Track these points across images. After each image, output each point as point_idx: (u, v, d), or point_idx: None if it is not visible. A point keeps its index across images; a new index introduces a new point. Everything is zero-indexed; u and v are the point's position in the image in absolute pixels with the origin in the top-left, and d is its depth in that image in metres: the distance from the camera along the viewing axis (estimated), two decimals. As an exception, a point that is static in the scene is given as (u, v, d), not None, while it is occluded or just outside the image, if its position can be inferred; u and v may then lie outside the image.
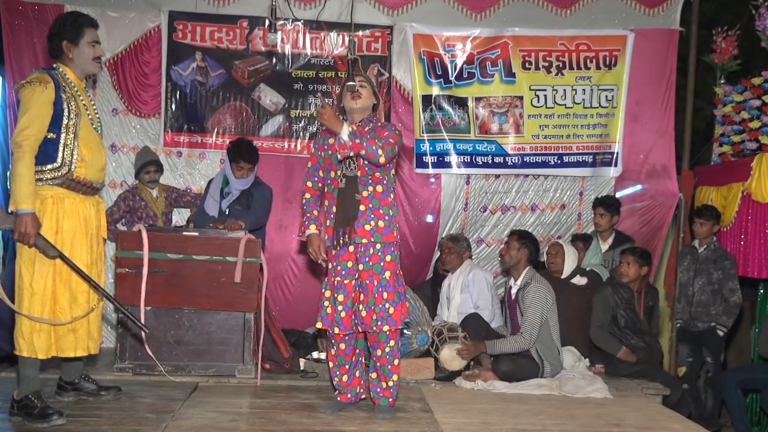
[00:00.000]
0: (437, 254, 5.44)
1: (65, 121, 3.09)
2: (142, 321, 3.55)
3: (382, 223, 3.28)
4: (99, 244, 3.32)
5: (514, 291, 4.32)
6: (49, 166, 3.07)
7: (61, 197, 3.12)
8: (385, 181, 3.33)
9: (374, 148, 3.20)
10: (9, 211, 3.04)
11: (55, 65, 3.22)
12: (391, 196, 3.35)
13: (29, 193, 2.96)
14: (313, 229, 3.39)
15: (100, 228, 3.32)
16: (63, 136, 3.08)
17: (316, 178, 3.46)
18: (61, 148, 3.08)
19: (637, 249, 4.68)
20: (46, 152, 3.06)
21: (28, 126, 2.99)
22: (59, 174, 3.09)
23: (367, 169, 3.30)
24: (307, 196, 3.47)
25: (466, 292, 4.76)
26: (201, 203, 4.70)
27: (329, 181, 3.37)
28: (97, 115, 3.33)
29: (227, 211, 4.51)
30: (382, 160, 3.22)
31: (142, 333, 3.43)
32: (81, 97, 3.20)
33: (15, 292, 3.11)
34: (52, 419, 3.00)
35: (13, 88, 3.36)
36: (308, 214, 3.43)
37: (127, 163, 5.22)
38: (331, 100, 5.36)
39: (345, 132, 3.17)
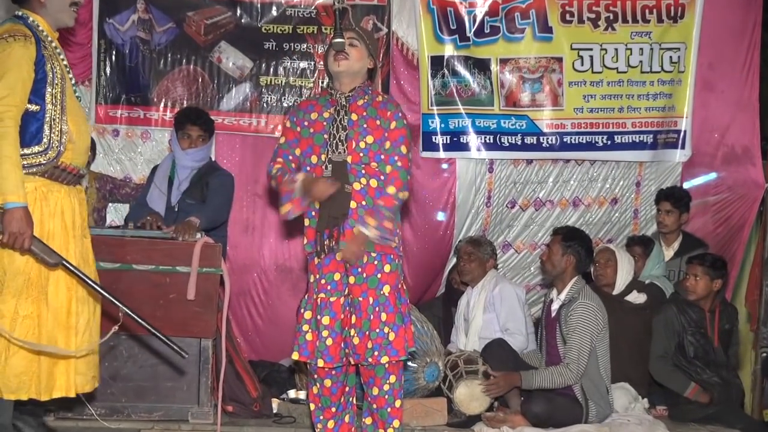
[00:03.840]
0: (451, 263, 5.45)
1: (50, 89, 3.05)
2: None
3: (376, 228, 3.29)
4: (83, 244, 3.29)
5: (555, 307, 4.32)
6: (35, 149, 3.02)
7: (44, 191, 3.08)
8: (382, 177, 3.34)
9: (394, 203, 3.30)
10: None
11: (21, 13, 3.15)
12: None
13: (18, 181, 2.89)
14: (301, 174, 3.34)
15: (84, 225, 3.30)
16: (49, 108, 3.05)
17: (290, 157, 3.44)
18: (47, 126, 3.04)
19: (707, 257, 4.68)
20: (29, 130, 3.01)
21: (8, 93, 2.91)
22: (45, 159, 3.04)
23: (360, 155, 3.31)
24: (277, 167, 3.45)
25: (491, 311, 4.77)
26: (142, 194, 4.71)
27: (309, 168, 3.37)
28: (73, 80, 3.29)
29: (176, 206, 4.49)
30: (402, 195, 3.33)
31: (183, 355, 3.26)
32: (61, 56, 3.19)
33: None
34: None
35: None
36: (285, 171, 3.40)
37: (47, 144, 5.21)
38: (313, 62, 5.35)
39: (371, 233, 3.24)
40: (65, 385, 3.14)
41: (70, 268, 3.03)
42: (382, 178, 3.33)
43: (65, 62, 3.21)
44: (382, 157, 3.34)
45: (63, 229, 3.13)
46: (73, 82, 3.24)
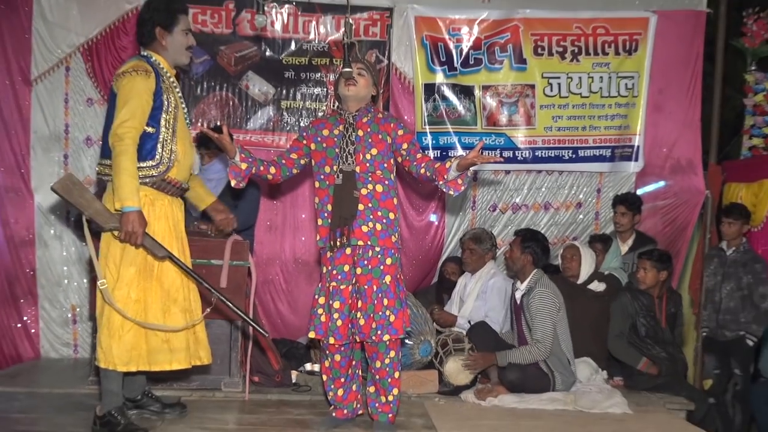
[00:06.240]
0: (444, 257, 5.50)
1: (164, 115, 3.19)
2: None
3: (380, 227, 3.33)
4: (186, 249, 3.41)
5: (518, 296, 4.36)
6: (147, 164, 3.15)
7: (152, 198, 3.21)
8: (386, 182, 3.39)
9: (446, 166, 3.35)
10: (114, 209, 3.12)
11: (145, 53, 3.29)
12: (394, 199, 3.40)
13: (134, 189, 3.05)
14: (241, 157, 3.34)
15: (182, 228, 3.42)
16: (162, 131, 3.18)
17: (284, 160, 3.49)
18: (159, 145, 3.17)
19: (654, 252, 4.70)
20: (144, 148, 3.15)
21: (129, 118, 3.07)
22: (156, 172, 3.18)
23: (367, 165, 3.35)
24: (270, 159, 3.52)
25: (482, 299, 4.76)
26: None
27: (323, 177, 3.42)
28: (185, 109, 3.41)
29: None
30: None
31: (264, 334, 3.43)
32: (177, 89, 3.30)
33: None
34: None
35: (114, 81, 3.36)
36: (264, 162, 3.45)
37: (102, 158, 5.24)
38: (326, 89, 5.40)
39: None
40: (165, 360, 3.25)
41: (175, 260, 3.17)
42: (387, 183, 3.38)
43: (179, 94, 3.32)
44: (385, 165, 3.39)
45: (168, 229, 3.26)
46: (185, 111, 3.35)
